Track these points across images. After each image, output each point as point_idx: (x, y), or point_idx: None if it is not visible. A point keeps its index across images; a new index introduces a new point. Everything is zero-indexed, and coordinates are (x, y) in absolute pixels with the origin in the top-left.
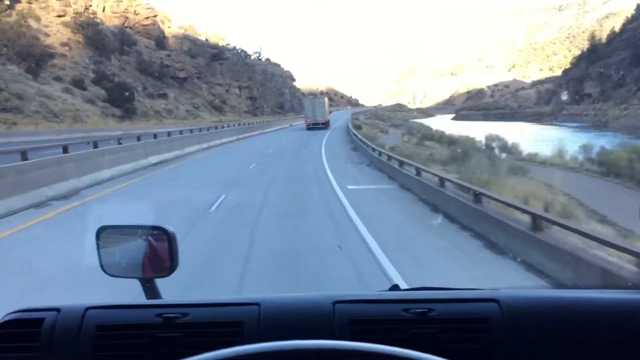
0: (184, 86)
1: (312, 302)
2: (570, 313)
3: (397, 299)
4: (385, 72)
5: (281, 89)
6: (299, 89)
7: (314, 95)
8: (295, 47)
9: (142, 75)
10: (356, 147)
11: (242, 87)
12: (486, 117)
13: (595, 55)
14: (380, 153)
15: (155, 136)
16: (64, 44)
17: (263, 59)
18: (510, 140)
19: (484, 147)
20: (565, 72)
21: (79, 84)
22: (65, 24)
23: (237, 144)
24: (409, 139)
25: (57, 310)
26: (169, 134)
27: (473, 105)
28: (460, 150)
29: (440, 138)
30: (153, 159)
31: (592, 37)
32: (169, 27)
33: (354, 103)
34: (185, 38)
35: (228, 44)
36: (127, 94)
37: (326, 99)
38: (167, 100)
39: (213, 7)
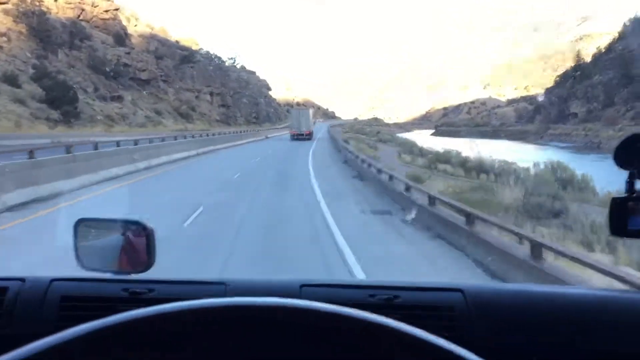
0: (146, 89)
1: (279, 285)
2: (532, 305)
3: (364, 285)
4: (361, 86)
5: (256, 97)
6: (274, 99)
7: (290, 105)
8: (272, 57)
9: (94, 74)
10: (360, 174)
11: (214, 94)
12: (468, 134)
13: (581, 74)
14: (407, 187)
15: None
16: (1, 34)
17: (238, 66)
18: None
19: (530, 175)
20: (549, 90)
21: (11, 80)
22: (6, 12)
23: (194, 162)
24: (412, 159)
25: (22, 280)
26: (96, 146)
27: (452, 122)
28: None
29: (451, 159)
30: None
31: (578, 56)
32: (135, 26)
33: (330, 115)
34: (152, 38)
35: (201, 48)
36: (70, 94)
37: (311, 111)
38: (122, 104)
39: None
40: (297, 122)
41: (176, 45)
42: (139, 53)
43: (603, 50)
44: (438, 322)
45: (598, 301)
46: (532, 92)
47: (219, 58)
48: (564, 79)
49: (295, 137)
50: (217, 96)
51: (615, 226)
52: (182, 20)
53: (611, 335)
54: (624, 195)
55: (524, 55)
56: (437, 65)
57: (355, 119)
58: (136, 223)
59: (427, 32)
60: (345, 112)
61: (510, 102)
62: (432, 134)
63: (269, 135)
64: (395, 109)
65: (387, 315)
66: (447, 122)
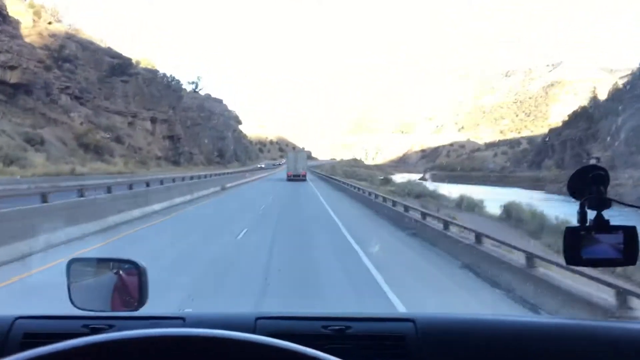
0: (18, 101)
1: (235, 318)
2: (482, 334)
3: (317, 317)
4: (335, 126)
5: (222, 131)
6: (246, 135)
7: (262, 144)
8: (244, 93)
9: None
10: None
11: (157, 121)
12: (466, 180)
13: (598, 114)
14: None
15: None
16: None
17: (200, 92)
18: None
19: None
20: (556, 131)
21: None
22: None
23: None
24: None
25: None
26: None
27: (443, 165)
28: None
29: None
30: None
31: (594, 96)
32: (50, 23)
33: (307, 155)
34: (68, 38)
35: (158, 71)
36: None
37: (305, 153)
38: None
39: (155, 42)
40: (294, 163)
41: (104, 51)
42: (20, 45)
43: (620, 88)
44: (388, 352)
45: (547, 329)
46: (508, 135)
47: (171, 77)
48: (576, 118)
49: (292, 177)
50: (163, 124)
51: (569, 255)
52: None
53: None
54: (576, 225)
55: (496, 100)
56: (410, 108)
57: (333, 159)
58: (128, 262)
59: (398, 77)
60: (320, 152)
61: (489, 145)
62: (421, 179)
63: (227, 186)
64: (369, 150)
65: (339, 345)
66: (437, 165)
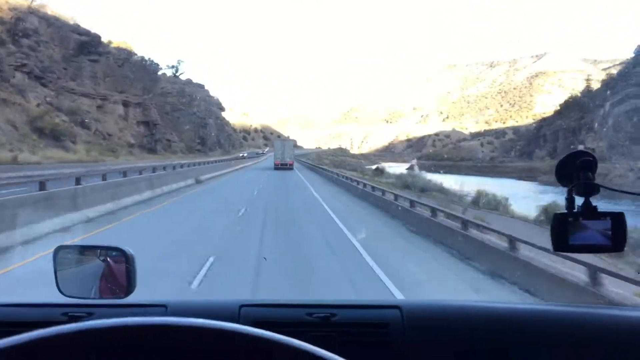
0: None
1: (219, 305)
2: (467, 319)
3: (301, 304)
4: (321, 115)
5: (204, 117)
6: (229, 123)
7: (246, 132)
8: (228, 80)
9: None
10: None
11: (130, 104)
12: (456, 170)
13: (591, 104)
14: None
15: None
16: None
17: (181, 77)
18: None
19: None
20: (546, 122)
21: None
22: None
23: None
24: None
25: None
26: None
27: (431, 154)
28: None
29: None
30: None
31: (588, 85)
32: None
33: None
34: (31, 13)
35: (132, 51)
36: None
37: (293, 143)
38: None
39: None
40: (281, 152)
41: (71, 27)
42: None
43: (614, 77)
44: (373, 339)
45: (533, 315)
46: (493, 125)
47: (149, 60)
48: (568, 108)
49: (279, 166)
50: (137, 108)
51: (557, 242)
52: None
53: (549, 350)
54: (564, 211)
55: (481, 91)
56: (394, 99)
57: (318, 148)
58: (116, 249)
59: (382, 68)
60: (306, 141)
61: (474, 135)
62: (410, 169)
63: (202, 178)
64: (355, 139)
65: (323, 332)
66: (425, 155)
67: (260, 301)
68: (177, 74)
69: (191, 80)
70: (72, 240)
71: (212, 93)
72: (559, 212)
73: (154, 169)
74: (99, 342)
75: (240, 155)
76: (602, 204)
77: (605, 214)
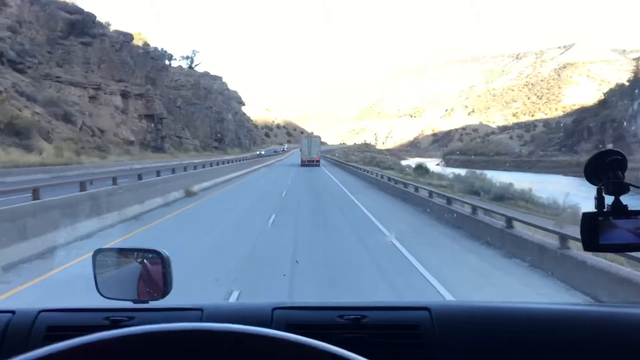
0: None
1: (252, 308)
2: (498, 321)
3: (333, 307)
4: (344, 111)
5: (221, 112)
6: (250, 118)
7: (269, 128)
8: (250, 75)
9: None
10: None
11: (130, 95)
12: (493, 165)
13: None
14: None
15: None
16: None
17: (197, 68)
18: None
19: None
20: (588, 112)
21: None
22: None
23: None
24: None
25: (12, 312)
26: None
27: (463, 149)
28: None
29: None
30: None
31: (637, 69)
32: None
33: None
34: None
35: (148, 44)
36: None
37: (319, 139)
38: None
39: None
40: (308, 149)
41: (59, 5)
42: None
43: None
44: (403, 341)
45: (563, 317)
46: (522, 119)
47: (154, 49)
48: (614, 97)
49: (306, 163)
50: (138, 100)
51: (587, 241)
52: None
53: (578, 350)
54: (594, 210)
55: (507, 83)
56: (417, 93)
57: (343, 144)
58: (153, 252)
59: (406, 61)
60: (329, 136)
61: (502, 129)
62: (439, 164)
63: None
64: (379, 135)
65: (354, 334)
66: (457, 149)
67: (293, 304)
68: (193, 66)
69: (208, 73)
70: None
71: (231, 87)
72: (588, 211)
73: (140, 176)
74: (141, 348)
75: (257, 153)
76: (633, 202)
77: (635, 213)
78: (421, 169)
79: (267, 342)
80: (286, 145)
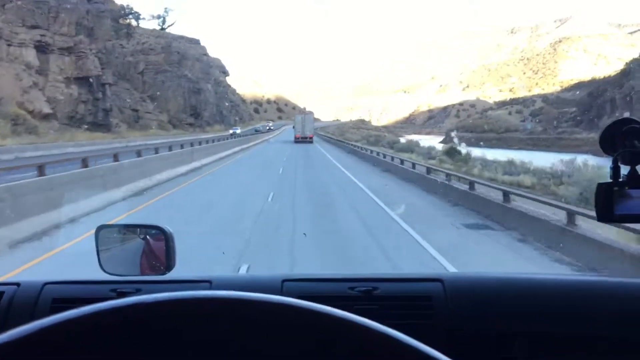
0: None
1: (262, 281)
2: (511, 293)
3: (344, 278)
4: (337, 87)
5: (198, 81)
6: (236, 91)
7: (259, 103)
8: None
9: None
10: None
11: (52, 49)
12: (505, 144)
13: None
14: None
15: None
16: None
17: (172, 31)
18: None
19: None
20: (610, 84)
21: None
22: None
23: None
24: None
25: (17, 284)
26: None
27: (468, 125)
28: None
29: None
30: None
31: None
32: None
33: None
34: None
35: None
36: None
37: (313, 116)
38: None
39: None
40: (301, 126)
41: None
42: None
43: None
44: (416, 312)
45: (575, 287)
46: (518, 94)
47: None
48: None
49: (300, 139)
50: (65, 56)
51: (601, 212)
52: None
53: (589, 320)
54: (609, 180)
55: (502, 58)
56: (410, 69)
57: (337, 120)
58: (155, 227)
59: (399, 37)
60: (322, 113)
61: (500, 104)
62: (443, 141)
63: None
64: (373, 111)
65: (365, 305)
66: (461, 126)
67: (302, 275)
68: (165, 27)
69: (184, 36)
70: None
71: (213, 54)
72: (603, 181)
73: None
74: (150, 315)
75: (230, 132)
76: None
77: None
78: (455, 152)
79: (280, 309)
80: (272, 123)
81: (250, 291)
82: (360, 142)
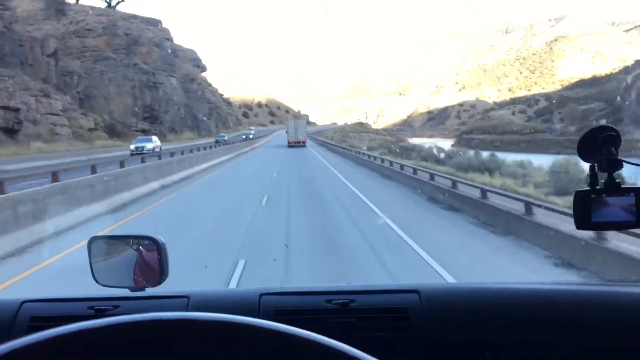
0: None
1: (239, 295)
2: (490, 304)
3: (320, 291)
4: (330, 89)
5: (155, 74)
6: (217, 91)
7: (248, 107)
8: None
9: None
10: None
11: None
12: (535, 147)
13: None
14: None
15: None
16: None
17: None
18: None
19: None
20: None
21: None
22: None
23: None
24: None
25: None
26: None
27: (481, 127)
28: None
29: None
30: None
31: None
32: None
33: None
34: None
35: None
36: None
37: (305, 120)
38: None
39: None
40: (294, 130)
41: None
42: None
43: None
44: (392, 324)
45: (548, 296)
46: (518, 93)
47: None
48: None
49: (293, 144)
50: None
51: (579, 219)
52: None
53: (562, 329)
54: (586, 188)
55: (497, 58)
56: (404, 69)
57: (334, 124)
58: (148, 238)
59: (391, 38)
60: (317, 116)
61: (501, 104)
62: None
63: None
64: (369, 114)
65: (342, 319)
66: (473, 127)
67: (280, 289)
68: (113, 4)
69: (136, 15)
70: None
71: (187, 45)
72: (580, 189)
73: None
74: (123, 337)
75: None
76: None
77: (629, 190)
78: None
79: (251, 331)
80: (253, 131)
81: (227, 306)
82: (376, 152)
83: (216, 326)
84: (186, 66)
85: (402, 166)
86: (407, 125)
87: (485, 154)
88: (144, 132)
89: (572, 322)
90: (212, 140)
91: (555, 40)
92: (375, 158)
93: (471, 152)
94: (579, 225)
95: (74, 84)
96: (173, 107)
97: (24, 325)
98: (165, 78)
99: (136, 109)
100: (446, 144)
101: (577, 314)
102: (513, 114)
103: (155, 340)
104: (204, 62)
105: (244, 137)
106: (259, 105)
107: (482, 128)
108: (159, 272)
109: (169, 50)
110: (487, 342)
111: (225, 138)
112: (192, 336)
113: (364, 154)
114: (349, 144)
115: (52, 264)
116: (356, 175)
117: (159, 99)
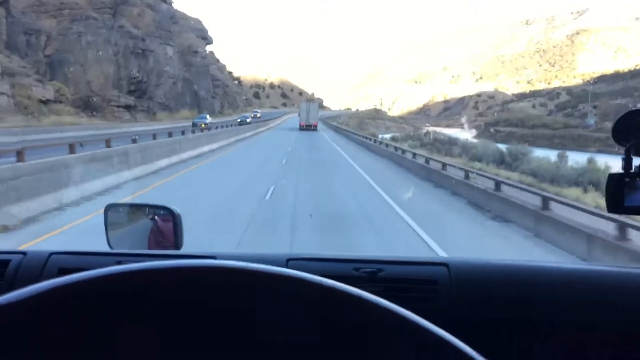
0: None
1: (266, 258)
2: (516, 280)
3: (349, 259)
4: (346, 75)
5: (145, 39)
6: (225, 68)
7: (261, 87)
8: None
9: None
10: None
11: None
12: (573, 143)
13: None
14: None
15: None
16: None
17: None
18: None
19: None
20: None
21: None
22: None
23: None
24: None
25: (24, 253)
26: None
27: (507, 119)
28: None
29: None
30: None
31: None
32: None
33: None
34: None
35: None
36: None
37: (318, 104)
38: None
39: None
40: (306, 114)
41: None
42: None
43: None
44: (420, 295)
45: (581, 276)
46: (537, 86)
47: None
48: None
49: (304, 127)
50: None
51: (612, 203)
52: None
53: (592, 310)
54: (620, 171)
55: (517, 50)
56: (421, 59)
57: (348, 109)
58: (164, 208)
59: (410, 29)
60: (331, 101)
61: (520, 96)
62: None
63: None
64: (384, 101)
65: (369, 287)
66: (501, 119)
67: (307, 255)
68: None
69: None
70: None
71: (192, 14)
72: (614, 172)
73: None
74: (150, 283)
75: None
76: None
77: None
78: None
79: (286, 281)
80: (259, 113)
81: None
82: (406, 144)
83: (244, 273)
84: (189, 36)
85: (466, 174)
86: (423, 114)
87: (575, 160)
88: (128, 107)
89: (604, 303)
90: (218, 121)
91: (577, 33)
92: (414, 155)
93: (553, 156)
94: (611, 209)
95: (41, 45)
96: (167, 81)
97: (52, 277)
98: (159, 46)
99: (122, 82)
100: (465, 134)
101: (606, 295)
102: (533, 107)
103: (180, 287)
104: (210, 34)
105: (239, 120)
106: (272, 86)
107: (508, 120)
108: (174, 243)
109: (167, 16)
110: (516, 319)
111: (207, 121)
112: (220, 283)
113: (396, 148)
114: (368, 132)
115: None
116: (394, 180)
117: (148, 69)
